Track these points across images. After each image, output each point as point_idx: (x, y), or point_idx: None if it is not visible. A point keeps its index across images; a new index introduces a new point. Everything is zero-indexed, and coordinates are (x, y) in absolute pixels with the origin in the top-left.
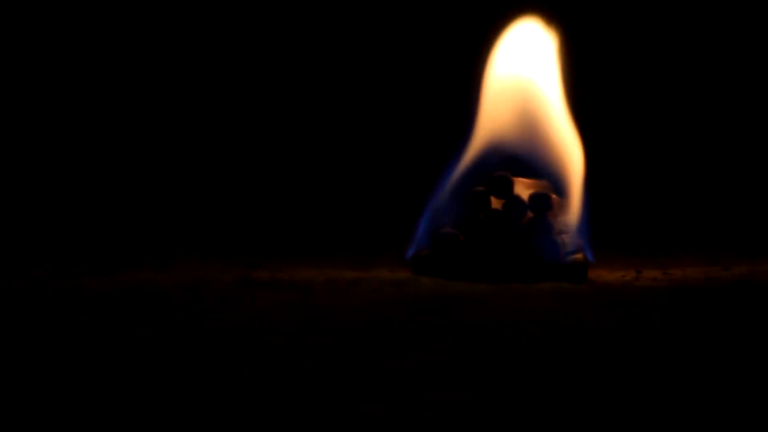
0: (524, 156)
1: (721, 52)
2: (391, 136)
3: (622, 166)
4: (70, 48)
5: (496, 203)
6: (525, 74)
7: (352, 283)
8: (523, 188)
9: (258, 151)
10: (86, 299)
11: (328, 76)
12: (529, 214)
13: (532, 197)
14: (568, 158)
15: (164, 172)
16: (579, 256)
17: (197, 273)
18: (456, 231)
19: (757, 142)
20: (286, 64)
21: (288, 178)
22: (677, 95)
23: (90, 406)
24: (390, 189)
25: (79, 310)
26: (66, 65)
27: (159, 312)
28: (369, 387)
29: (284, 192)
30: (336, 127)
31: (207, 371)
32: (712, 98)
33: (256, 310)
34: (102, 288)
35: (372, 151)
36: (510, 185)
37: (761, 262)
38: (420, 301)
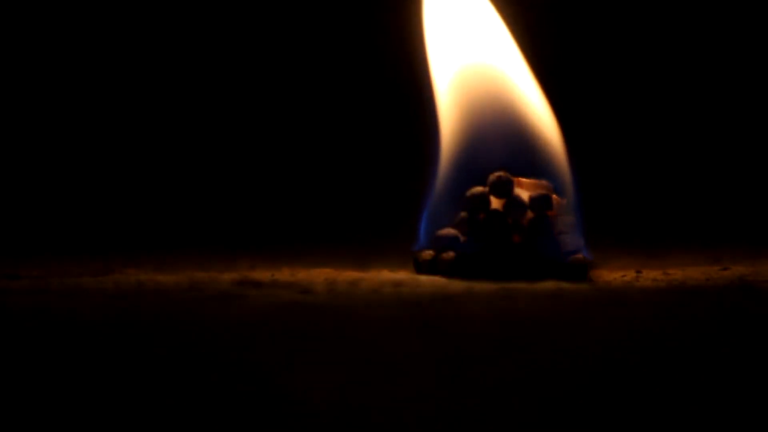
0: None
1: (725, 46)
2: (390, 134)
3: (622, 164)
4: (70, 47)
5: (496, 203)
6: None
7: (352, 283)
8: (523, 188)
9: (258, 150)
10: (86, 299)
11: (324, 76)
12: (529, 214)
13: (532, 197)
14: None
15: (164, 170)
16: (579, 255)
17: (197, 273)
18: (456, 231)
19: (758, 139)
20: (283, 62)
21: (287, 178)
22: (677, 90)
23: (90, 406)
24: (390, 188)
25: (79, 310)
26: (65, 63)
27: (159, 312)
28: (369, 386)
29: (284, 191)
30: (336, 125)
31: (206, 371)
32: (713, 94)
33: (256, 310)
34: (102, 288)
35: (371, 148)
36: (510, 185)
37: (762, 261)
38: (420, 300)
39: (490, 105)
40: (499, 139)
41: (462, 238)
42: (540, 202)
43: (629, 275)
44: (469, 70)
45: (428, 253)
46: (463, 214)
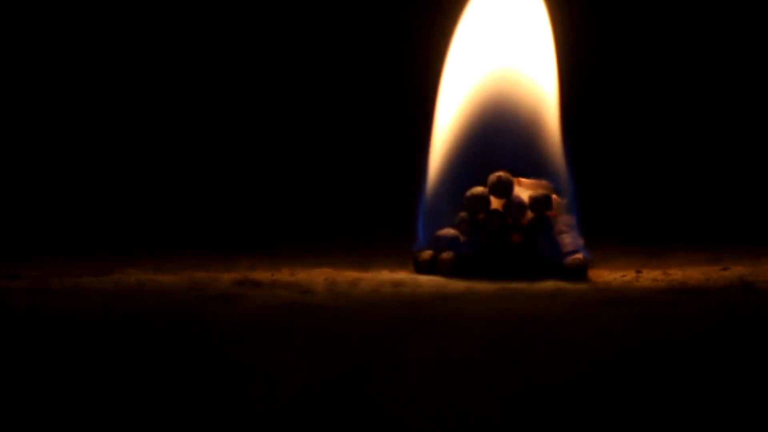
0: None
1: (724, 46)
2: (391, 134)
3: (622, 164)
4: (70, 46)
5: (496, 203)
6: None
7: (352, 283)
8: (523, 188)
9: (258, 150)
10: (86, 299)
11: (324, 76)
12: (529, 214)
13: (532, 197)
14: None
15: (163, 170)
16: (579, 255)
17: (197, 273)
18: (456, 231)
19: (757, 139)
20: (282, 62)
21: (288, 178)
22: (677, 90)
23: (90, 406)
24: (390, 188)
25: (79, 310)
26: (64, 63)
27: (159, 312)
28: (369, 386)
29: (284, 192)
30: (336, 125)
31: (206, 371)
32: (712, 94)
33: (256, 310)
34: (102, 288)
35: (372, 148)
36: (510, 185)
37: (762, 261)
38: (420, 300)
39: (499, 104)
40: (503, 139)
41: (462, 238)
42: (540, 202)
43: (629, 275)
44: (485, 69)
45: (428, 253)
46: (462, 214)
